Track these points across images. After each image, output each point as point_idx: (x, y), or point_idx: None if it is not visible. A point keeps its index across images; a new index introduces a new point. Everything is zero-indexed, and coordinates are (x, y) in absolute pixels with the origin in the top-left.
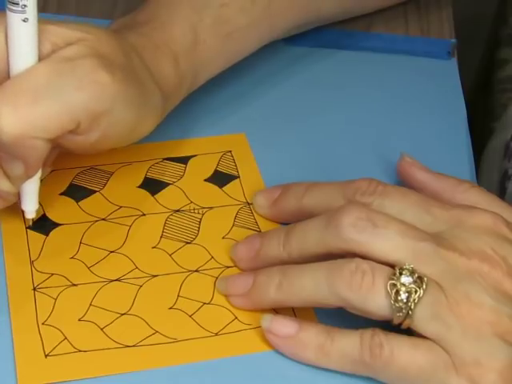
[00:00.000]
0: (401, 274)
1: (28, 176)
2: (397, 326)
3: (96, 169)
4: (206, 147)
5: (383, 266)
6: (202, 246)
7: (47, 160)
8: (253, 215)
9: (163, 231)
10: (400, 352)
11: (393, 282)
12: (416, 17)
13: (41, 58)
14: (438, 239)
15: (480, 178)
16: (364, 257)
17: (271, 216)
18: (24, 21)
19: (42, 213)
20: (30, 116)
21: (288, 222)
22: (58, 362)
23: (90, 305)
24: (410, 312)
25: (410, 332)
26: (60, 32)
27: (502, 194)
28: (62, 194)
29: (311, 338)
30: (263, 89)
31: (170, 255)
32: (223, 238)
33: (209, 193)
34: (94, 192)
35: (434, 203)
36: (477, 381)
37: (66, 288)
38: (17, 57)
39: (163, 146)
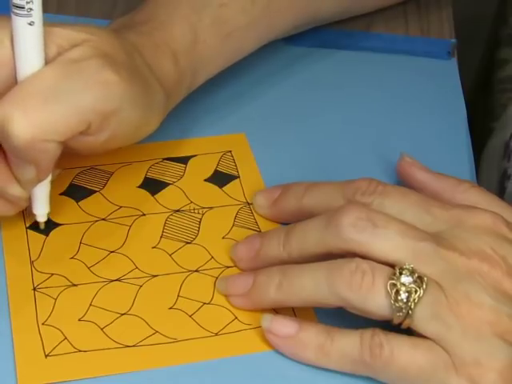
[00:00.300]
0: (401, 273)
1: (39, 180)
2: (397, 326)
3: (96, 169)
4: (205, 147)
5: (383, 266)
6: (202, 245)
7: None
8: (253, 215)
9: (163, 231)
10: (400, 352)
11: (393, 281)
12: (416, 17)
13: (47, 61)
14: (437, 239)
15: (479, 177)
16: (364, 257)
17: (271, 216)
18: (30, 24)
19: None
20: (40, 119)
21: (288, 221)
22: (58, 362)
23: (90, 305)
24: (409, 312)
25: (410, 332)
26: (65, 34)
27: (501, 193)
28: (62, 194)
29: (311, 338)
30: (263, 89)
31: (170, 255)
32: (223, 238)
33: (209, 193)
34: (94, 192)
35: (434, 203)
36: (477, 381)
37: (66, 288)
38: (23, 61)
39: (163, 145)
